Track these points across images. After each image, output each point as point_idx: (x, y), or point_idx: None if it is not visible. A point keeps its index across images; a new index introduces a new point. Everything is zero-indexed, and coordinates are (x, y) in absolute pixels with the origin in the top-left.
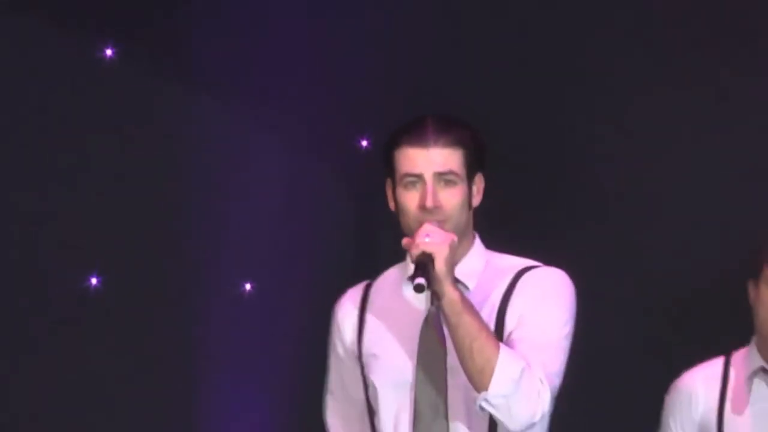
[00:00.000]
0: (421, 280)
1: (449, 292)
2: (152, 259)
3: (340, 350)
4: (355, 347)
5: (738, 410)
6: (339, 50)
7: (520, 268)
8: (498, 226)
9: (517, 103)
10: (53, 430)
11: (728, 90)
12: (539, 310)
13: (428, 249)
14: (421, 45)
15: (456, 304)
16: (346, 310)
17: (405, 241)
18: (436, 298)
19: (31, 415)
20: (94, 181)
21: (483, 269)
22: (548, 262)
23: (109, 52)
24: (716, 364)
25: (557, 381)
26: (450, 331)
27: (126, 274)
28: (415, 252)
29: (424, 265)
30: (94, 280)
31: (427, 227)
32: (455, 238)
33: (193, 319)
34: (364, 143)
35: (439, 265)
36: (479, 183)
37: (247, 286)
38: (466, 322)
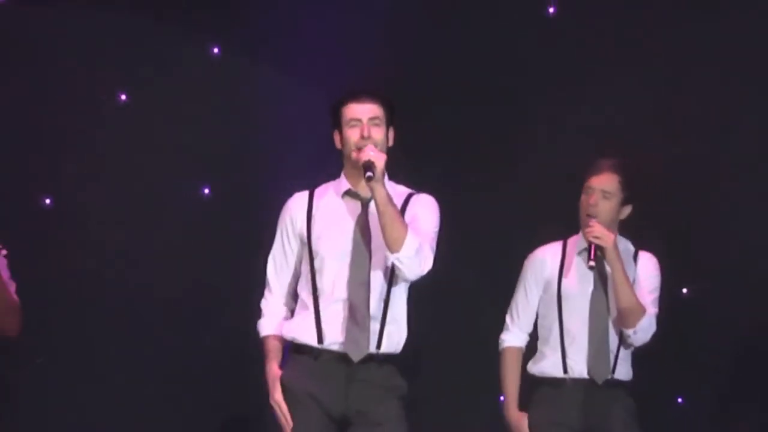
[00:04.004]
0: (370, 174)
1: (381, 189)
2: (242, 175)
3: (289, 231)
4: (304, 231)
5: (570, 273)
6: (353, 43)
7: (408, 193)
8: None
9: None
10: (173, 296)
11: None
12: (424, 216)
13: (372, 158)
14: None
15: (384, 196)
16: (298, 205)
17: (355, 154)
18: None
19: (147, 284)
20: (203, 127)
21: (389, 192)
22: (421, 189)
23: (216, 50)
24: (558, 244)
25: (434, 254)
26: (379, 214)
27: (226, 186)
28: (364, 158)
29: (369, 167)
30: (206, 190)
31: (371, 147)
32: (386, 157)
33: (265, 219)
34: None
35: (379, 169)
36: (392, 134)
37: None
38: (390, 209)
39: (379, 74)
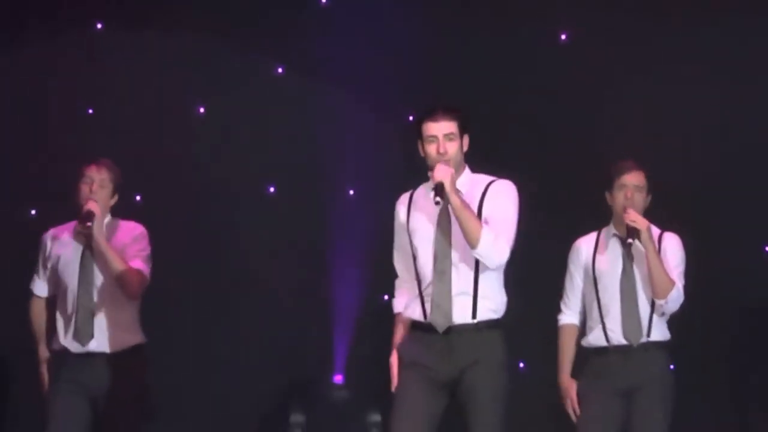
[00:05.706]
0: (438, 198)
1: (454, 199)
2: (302, 176)
3: (397, 225)
4: (405, 224)
5: (602, 255)
6: (398, 66)
7: (489, 180)
8: (480, 160)
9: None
10: (244, 280)
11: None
12: (501, 204)
13: (441, 178)
14: (445, 62)
15: (458, 204)
16: (402, 203)
17: (430, 172)
18: (445, 202)
19: (224, 269)
20: (269, 135)
21: (470, 182)
22: (503, 176)
23: (280, 70)
24: (593, 233)
25: (512, 243)
26: (456, 218)
27: (289, 185)
28: (436, 179)
29: (438, 188)
30: (272, 189)
31: (439, 166)
32: (453, 172)
33: (319, 212)
34: (410, 118)
35: (448, 187)
36: (466, 140)
37: (351, 192)
38: (464, 213)
39: (424, 89)
